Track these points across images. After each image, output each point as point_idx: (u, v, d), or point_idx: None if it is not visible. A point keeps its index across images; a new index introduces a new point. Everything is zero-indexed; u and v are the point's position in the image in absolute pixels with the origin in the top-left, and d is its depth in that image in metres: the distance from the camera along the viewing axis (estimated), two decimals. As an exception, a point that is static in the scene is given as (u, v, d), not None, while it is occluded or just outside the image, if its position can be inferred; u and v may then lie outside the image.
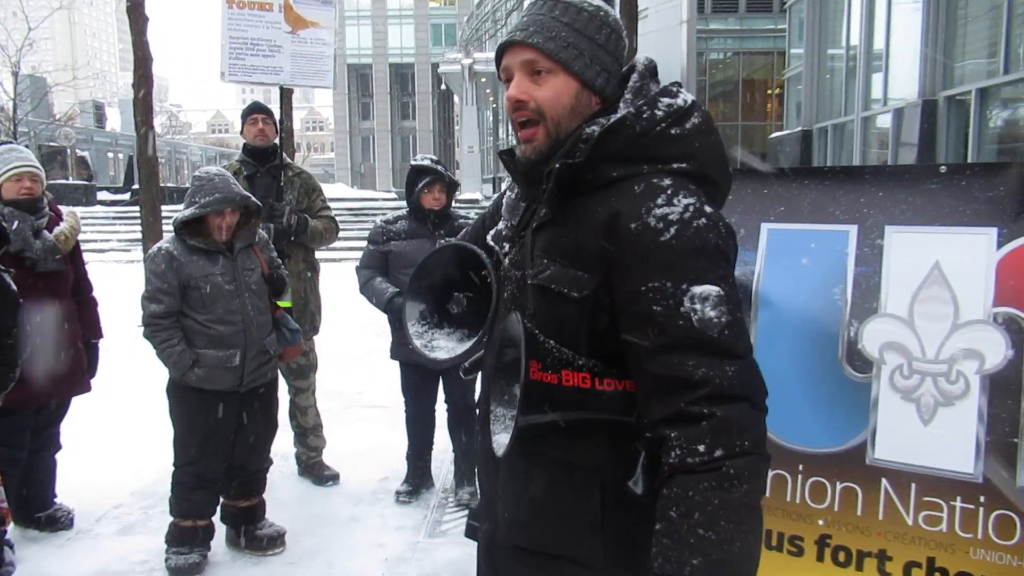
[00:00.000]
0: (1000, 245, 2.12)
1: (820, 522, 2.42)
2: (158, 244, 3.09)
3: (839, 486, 2.37)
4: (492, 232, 1.55)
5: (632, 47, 12.59)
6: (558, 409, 1.30)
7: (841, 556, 2.40)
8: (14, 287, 2.70)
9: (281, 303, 3.52)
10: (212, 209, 2.96)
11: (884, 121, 13.27)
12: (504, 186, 1.69)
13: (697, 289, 1.17)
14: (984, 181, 2.15)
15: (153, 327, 3.00)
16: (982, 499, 2.18)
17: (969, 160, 10.35)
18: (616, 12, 1.40)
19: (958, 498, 2.22)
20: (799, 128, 16.65)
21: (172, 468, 3.15)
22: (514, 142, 1.45)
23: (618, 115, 1.27)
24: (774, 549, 2.49)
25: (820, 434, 2.04)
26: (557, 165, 1.27)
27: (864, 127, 13.88)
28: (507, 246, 1.45)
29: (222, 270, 3.04)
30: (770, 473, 2.15)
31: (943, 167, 2.22)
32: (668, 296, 1.18)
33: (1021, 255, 2.11)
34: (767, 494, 2.11)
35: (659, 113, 1.28)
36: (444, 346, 1.49)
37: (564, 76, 1.31)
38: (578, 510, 1.30)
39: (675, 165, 1.27)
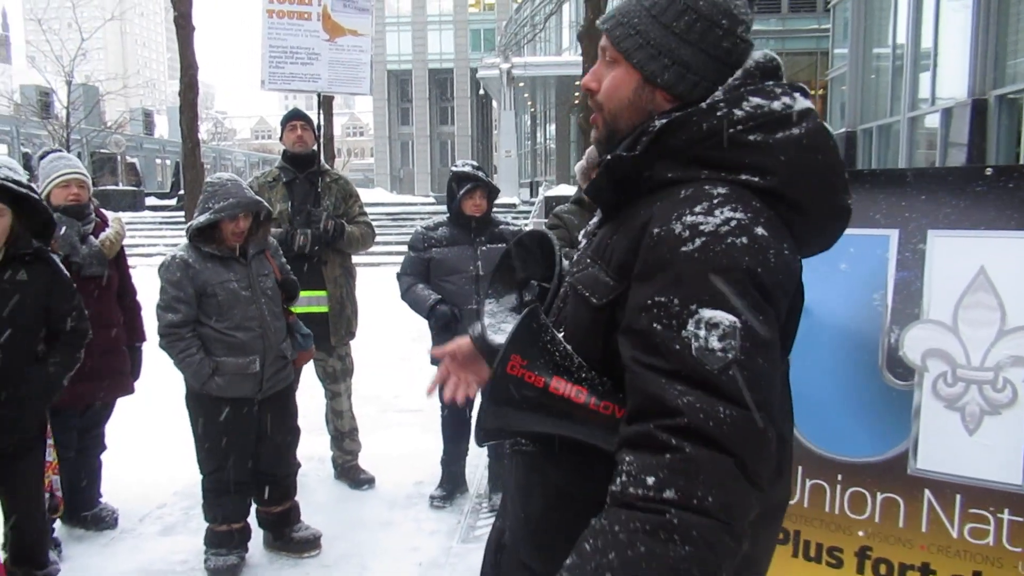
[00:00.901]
0: (1049, 250, 2.05)
1: (860, 533, 2.37)
2: (171, 253, 3.07)
3: (880, 497, 2.32)
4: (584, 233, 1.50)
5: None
6: (539, 412, 1.16)
7: (883, 569, 2.33)
8: (67, 272, 2.76)
9: (302, 309, 3.59)
10: (227, 214, 2.94)
11: (932, 121, 12.94)
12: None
13: (707, 313, 0.99)
14: (1032, 183, 2.08)
15: (171, 337, 2.98)
16: (1036, 513, 2.11)
17: (1022, 162, 10.03)
18: None
19: (1006, 510, 2.15)
20: (843, 130, 16.33)
21: (200, 476, 3.19)
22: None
23: (683, 112, 1.11)
24: (813, 560, 2.44)
25: (860, 443, 1.99)
26: (608, 157, 1.17)
27: (911, 128, 13.55)
28: (584, 240, 1.36)
29: (237, 276, 3.04)
30: (808, 483, 2.11)
31: (989, 169, 2.15)
32: (672, 315, 1.01)
33: (1071, 260, 2.04)
34: (805, 504, 2.07)
35: (739, 113, 1.10)
36: (502, 335, 1.40)
37: (625, 67, 1.19)
38: (571, 541, 1.07)
39: (744, 176, 1.09)
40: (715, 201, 1.06)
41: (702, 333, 0.99)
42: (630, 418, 1.03)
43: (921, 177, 2.27)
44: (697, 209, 1.05)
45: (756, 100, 1.11)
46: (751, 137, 1.10)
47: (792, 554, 2.48)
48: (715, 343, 0.98)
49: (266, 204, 3.17)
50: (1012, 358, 2.08)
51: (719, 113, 1.10)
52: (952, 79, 12.08)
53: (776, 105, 1.12)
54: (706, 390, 0.97)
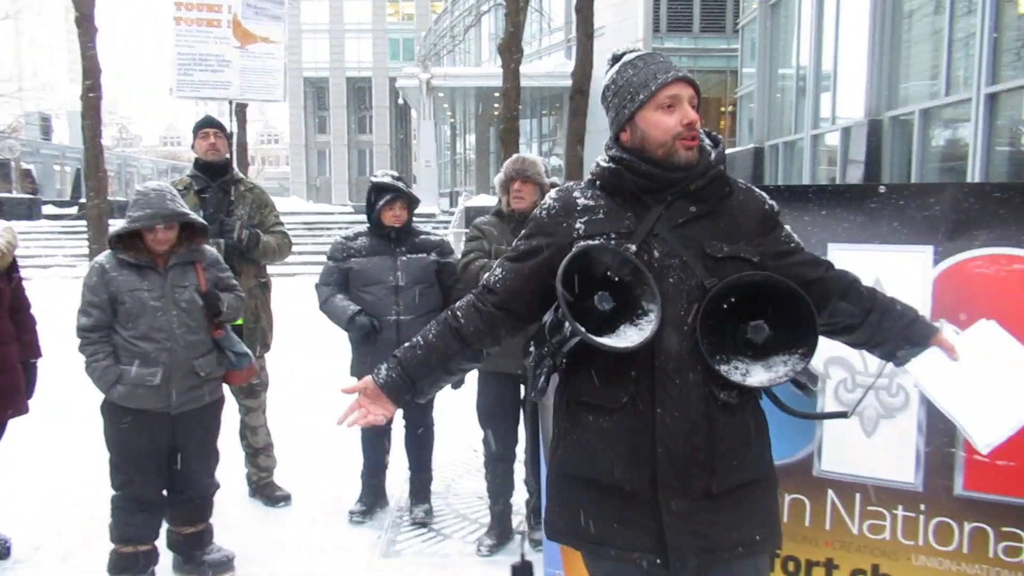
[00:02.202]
0: (936, 262, 2.19)
1: (770, 534, 2.46)
2: (97, 258, 3.04)
3: (788, 498, 2.41)
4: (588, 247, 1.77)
5: (589, 64, 12.77)
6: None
7: (791, 566, 2.43)
8: None
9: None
10: (142, 224, 2.90)
11: (832, 139, 13.63)
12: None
13: (787, 227, 1.87)
14: (921, 201, 2.23)
15: (82, 340, 2.97)
16: (922, 507, 2.24)
17: (912, 179, 10.68)
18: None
19: (900, 507, 2.28)
20: (751, 145, 17.01)
21: (111, 492, 3.05)
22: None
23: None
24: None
25: (776, 444, 2.08)
26: (723, 167, 1.77)
27: (814, 145, 14.24)
28: (632, 247, 1.68)
29: (150, 286, 2.96)
30: (788, 497, 2.20)
31: (882, 187, 2.29)
32: (791, 234, 1.86)
33: (956, 272, 2.18)
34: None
35: None
36: (613, 340, 1.62)
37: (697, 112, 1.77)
38: (764, 438, 1.78)
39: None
40: (756, 190, 1.87)
41: (795, 235, 1.88)
42: (825, 268, 1.84)
43: (821, 194, 2.40)
44: (756, 191, 1.86)
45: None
46: None
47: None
48: (796, 236, 1.89)
49: (195, 217, 3.07)
50: (905, 365, 2.21)
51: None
52: (851, 100, 12.78)
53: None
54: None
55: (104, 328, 2.96)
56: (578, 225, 1.75)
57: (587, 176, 1.88)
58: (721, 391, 1.66)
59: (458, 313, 1.83)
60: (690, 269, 1.68)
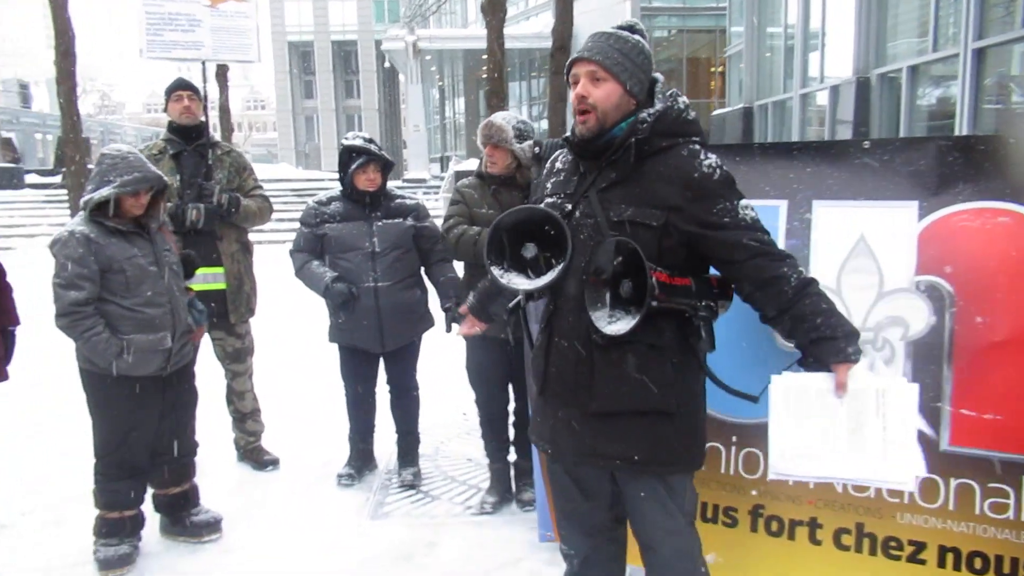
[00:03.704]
0: (921, 217, 2.17)
1: (753, 492, 2.47)
2: (68, 228, 2.89)
3: (770, 456, 2.42)
4: (545, 204, 2.11)
5: (570, 22, 12.58)
6: (672, 296, 1.89)
7: (774, 526, 2.45)
8: None
9: (200, 286, 3.45)
10: (132, 188, 2.82)
11: (822, 98, 13.56)
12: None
13: (742, 202, 1.96)
14: (905, 156, 2.20)
15: (74, 316, 2.82)
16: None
17: (900, 136, 10.65)
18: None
19: (884, 464, 2.29)
20: (741, 105, 16.89)
21: (94, 460, 3.03)
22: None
23: (661, 107, 1.97)
24: (709, 521, 2.53)
25: (753, 405, 2.07)
26: (633, 140, 1.93)
27: (803, 104, 14.15)
28: (569, 206, 2.04)
29: (143, 251, 2.92)
30: (705, 446, 2.21)
31: (867, 143, 2.26)
32: (730, 210, 1.93)
33: (940, 226, 2.16)
34: (702, 467, 2.15)
35: (680, 105, 2.00)
36: (522, 281, 2.03)
37: (614, 83, 1.95)
38: (659, 378, 1.96)
39: (694, 137, 2.01)
40: (702, 152, 1.97)
41: (746, 211, 1.95)
42: (751, 257, 1.91)
43: (807, 150, 2.37)
44: (702, 157, 1.96)
45: (681, 99, 2.02)
46: (688, 116, 2.02)
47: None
48: (752, 212, 1.96)
49: (165, 178, 3.02)
50: (890, 318, 2.20)
51: (675, 107, 1.99)
52: (839, 58, 12.68)
53: (683, 99, 2.03)
54: (763, 231, 1.95)
55: (95, 300, 2.86)
56: (548, 185, 2.18)
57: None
58: (594, 332, 1.94)
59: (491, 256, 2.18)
60: (600, 228, 1.96)
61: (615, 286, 1.92)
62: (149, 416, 3.03)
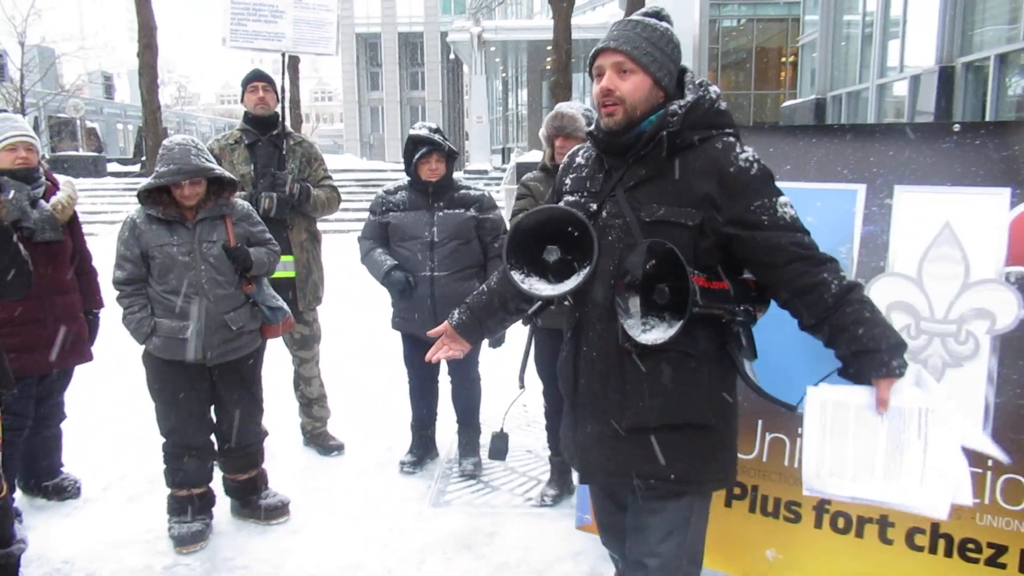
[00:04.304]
0: (1014, 205, 2.05)
1: (821, 488, 2.38)
2: (129, 212, 3.10)
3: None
4: (566, 203, 1.98)
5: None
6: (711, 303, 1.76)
7: (841, 522, 2.36)
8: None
9: (278, 274, 3.48)
10: (167, 180, 2.92)
11: (900, 89, 13.04)
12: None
13: (781, 199, 1.82)
14: (999, 140, 2.08)
15: (119, 293, 3.05)
16: (990, 463, 2.14)
17: (986, 127, 10.15)
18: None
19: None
20: (813, 96, 16.39)
21: (162, 440, 3.15)
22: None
23: (691, 98, 1.83)
24: (770, 515, 2.46)
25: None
26: (664, 133, 1.78)
27: (880, 95, 13.64)
28: (595, 205, 1.90)
29: (179, 241, 3.00)
30: (768, 436, 2.14)
31: (956, 125, 2.15)
32: (768, 208, 1.79)
33: (1036, 216, 2.04)
34: (764, 459, 2.09)
35: (712, 96, 1.86)
36: (544, 288, 1.89)
37: (642, 76, 1.82)
38: (695, 389, 1.84)
39: (728, 129, 1.87)
40: (737, 145, 1.84)
41: (786, 209, 1.80)
42: (790, 261, 1.77)
43: (889, 132, 2.26)
44: (737, 151, 1.82)
45: (712, 88, 1.87)
46: (721, 107, 1.88)
47: (749, 509, 2.50)
48: (791, 211, 1.82)
49: (224, 172, 3.06)
50: (975, 311, 2.10)
51: (707, 97, 1.85)
52: (920, 47, 12.16)
53: (715, 88, 1.89)
54: (805, 233, 1.81)
55: (138, 281, 3.03)
56: (567, 180, 2.04)
57: None
58: (626, 341, 1.80)
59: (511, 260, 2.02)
60: (629, 229, 1.83)
61: (647, 291, 1.77)
62: (197, 400, 3.12)
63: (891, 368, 1.71)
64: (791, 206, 1.81)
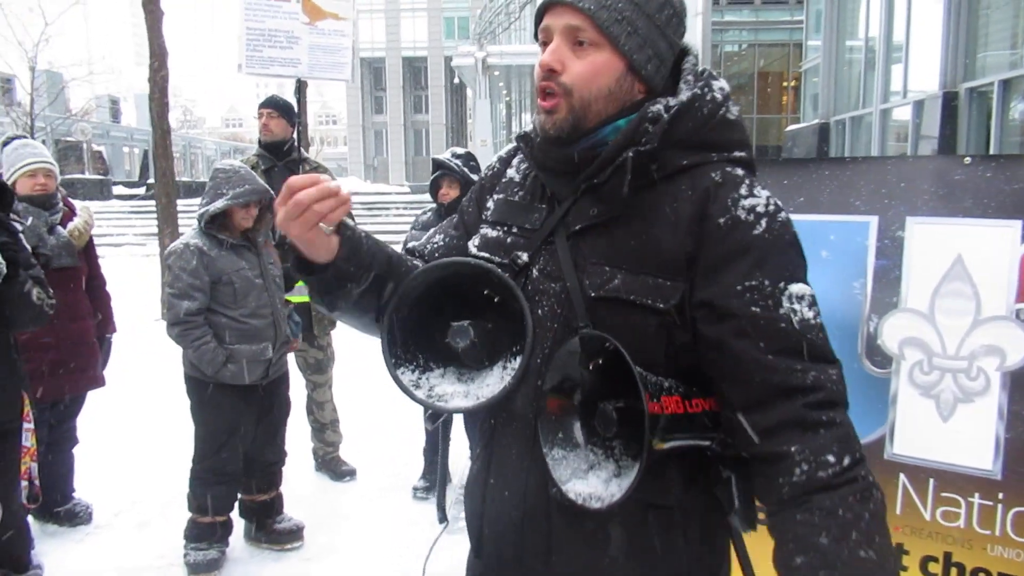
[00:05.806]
0: (1025, 239, 2.08)
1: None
2: (183, 240, 3.04)
3: (858, 482, 2.35)
4: (478, 240, 1.26)
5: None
6: (678, 437, 1.08)
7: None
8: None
9: (299, 298, 3.53)
10: (244, 200, 2.97)
11: (903, 114, 13.12)
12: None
13: (794, 288, 1.06)
14: (1010, 173, 2.11)
15: (187, 325, 2.95)
16: (1000, 496, 2.15)
17: (991, 153, 10.21)
18: None
19: (976, 494, 2.19)
20: (816, 121, 16.49)
21: (190, 464, 3.15)
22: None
23: (684, 96, 1.11)
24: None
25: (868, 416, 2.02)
26: (631, 154, 1.06)
27: (883, 120, 13.72)
28: (524, 255, 1.18)
29: (250, 264, 3.07)
30: None
31: (967, 158, 2.18)
32: (767, 296, 1.04)
33: (1047, 249, 2.07)
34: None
35: (717, 96, 1.13)
36: (452, 390, 1.18)
37: (609, 53, 1.10)
38: (665, 561, 1.13)
39: (737, 153, 1.14)
40: (746, 182, 1.10)
41: (796, 307, 1.05)
42: (764, 407, 1.03)
43: (901, 164, 2.30)
44: (743, 192, 1.09)
45: (717, 83, 1.15)
46: (730, 116, 1.14)
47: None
48: (808, 312, 1.06)
49: (272, 192, 3.14)
50: (986, 347, 2.11)
51: (711, 95, 1.13)
52: (923, 72, 12.24)
53: (722, 83, 1.16)
54: (816, 359, 1.04)
55: (205, 311, 3.01)
56: (490, 204, 1.30)
57: None
58: (552, 486, 1.11)
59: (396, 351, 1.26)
60: (570, 302, 1.12)
61: (588, 411, 1.11)
62: (247, 423, 3.15)
63: None
64: (808, 300, 1.07)
